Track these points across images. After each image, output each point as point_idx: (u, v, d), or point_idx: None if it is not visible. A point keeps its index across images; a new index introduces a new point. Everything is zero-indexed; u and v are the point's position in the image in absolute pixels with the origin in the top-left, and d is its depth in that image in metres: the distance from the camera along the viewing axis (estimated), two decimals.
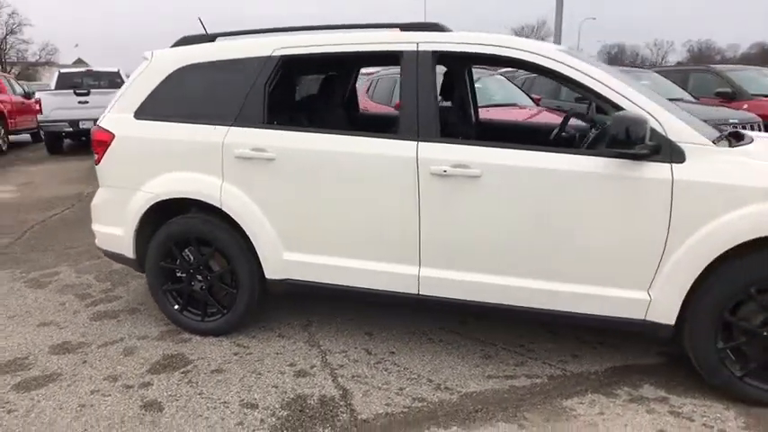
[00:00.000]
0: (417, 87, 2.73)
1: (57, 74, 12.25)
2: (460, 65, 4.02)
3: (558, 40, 16.02)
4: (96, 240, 3.45)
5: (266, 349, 3.07)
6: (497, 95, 7.02)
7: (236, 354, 3.03)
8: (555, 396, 2.60)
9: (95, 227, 3.41)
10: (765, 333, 2.41)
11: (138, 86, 3.24)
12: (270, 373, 2.82)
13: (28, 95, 13.26)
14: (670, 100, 7.42)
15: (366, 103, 7.08)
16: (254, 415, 2.48)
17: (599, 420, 2.41)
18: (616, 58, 68.26)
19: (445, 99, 4.01)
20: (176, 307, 3.26)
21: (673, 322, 2.50)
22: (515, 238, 2.61)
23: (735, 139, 2.76)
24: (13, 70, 41.20)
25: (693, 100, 7.61)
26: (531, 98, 7.28)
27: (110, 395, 2.64)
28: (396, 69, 6.22)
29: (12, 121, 12.26)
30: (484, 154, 2.60)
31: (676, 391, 2.62)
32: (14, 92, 12.96)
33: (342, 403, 2.56)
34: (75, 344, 3.16)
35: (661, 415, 2.44)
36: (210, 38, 3.25)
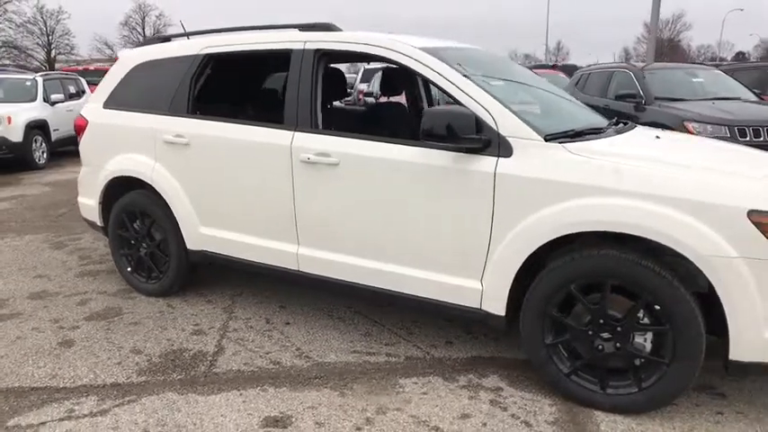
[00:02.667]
0: (299, 81, 3.00)
1: None
2: None
3: (654, 33, 14.92)
4: (80, 210, 4.12)
5: (188, 311, 3.53)
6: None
7: (160, 311, 3.51)
8: (397, 374, 2.76)
9: (78, 198, 4.09)
10: (590, 332, 2.39)
11: (109, 81, 3.83)
12: (173, 330, 3.26)
13: None
14: (723, 99, 6.84)
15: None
16: (133, 359, 2.93)
17: (416, 398, 2.54)
18: None
19: (385, 95, 4.18)
20: (129, 269, 3.82)
21: (503, 313, 2.54)
22: (365, 222, 2.79)
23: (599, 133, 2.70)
24: None
25: (754, 98, 6.91)
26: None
27: (43, 332, 3.24)
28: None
29: None
30: (342, 144, 2.82)
31: (517, 386, 2.65)
32: None
33: (209, 359, 2.93)
34: (49, 293, 3.84)
35: (479, 402, 2.51)
36: (166, 38, 3.76)
